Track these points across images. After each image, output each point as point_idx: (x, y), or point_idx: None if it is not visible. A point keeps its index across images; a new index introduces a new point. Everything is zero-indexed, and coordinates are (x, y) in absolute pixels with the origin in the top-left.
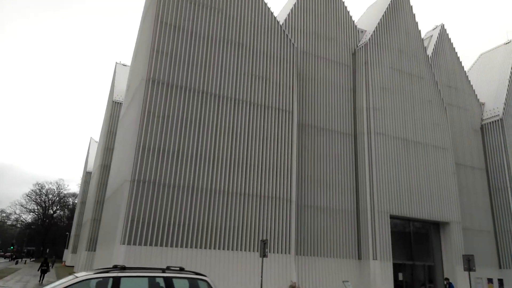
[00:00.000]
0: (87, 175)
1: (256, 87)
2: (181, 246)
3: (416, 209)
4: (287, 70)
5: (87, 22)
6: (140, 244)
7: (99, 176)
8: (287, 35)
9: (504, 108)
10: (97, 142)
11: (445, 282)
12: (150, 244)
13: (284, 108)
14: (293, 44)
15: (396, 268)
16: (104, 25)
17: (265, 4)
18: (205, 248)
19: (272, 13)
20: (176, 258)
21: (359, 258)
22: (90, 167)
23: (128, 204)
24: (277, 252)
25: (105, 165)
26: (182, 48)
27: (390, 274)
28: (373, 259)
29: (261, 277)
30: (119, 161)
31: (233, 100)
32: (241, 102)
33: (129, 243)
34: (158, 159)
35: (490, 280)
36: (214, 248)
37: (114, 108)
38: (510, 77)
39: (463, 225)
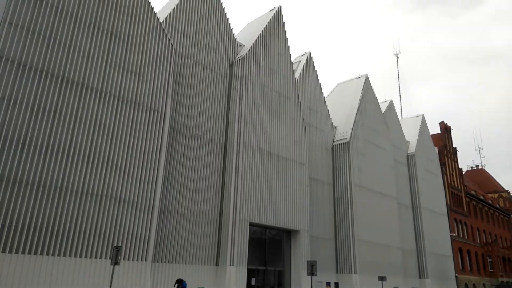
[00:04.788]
0: None
1: (127, 82)
2: (17, 252)
3: (273, 218)
4: (163, 69)
5: None
6: None
7: None
8: (166, 34)
9: (351, 133)
10: None
11: (176, 285)
12: None
13: (156, 108)
14: (172, 45)
15: (250, 273)
16: None
17: None
18: (47, 254)
19: (152, 8)
20: (9, 265)
21: (217, 264)
22: None
23: None
24: (133, 260)
25: None
26: (42, 24)
27: (244, 279)
28: (230, 264)
29: (110, 286)
30: None
31: (98, 92)
32: (107, 95)
33: None
34: None
35: (328, 284)
36: (59, 255)
37: None
38: (358, 107)
39: (311, 233)
